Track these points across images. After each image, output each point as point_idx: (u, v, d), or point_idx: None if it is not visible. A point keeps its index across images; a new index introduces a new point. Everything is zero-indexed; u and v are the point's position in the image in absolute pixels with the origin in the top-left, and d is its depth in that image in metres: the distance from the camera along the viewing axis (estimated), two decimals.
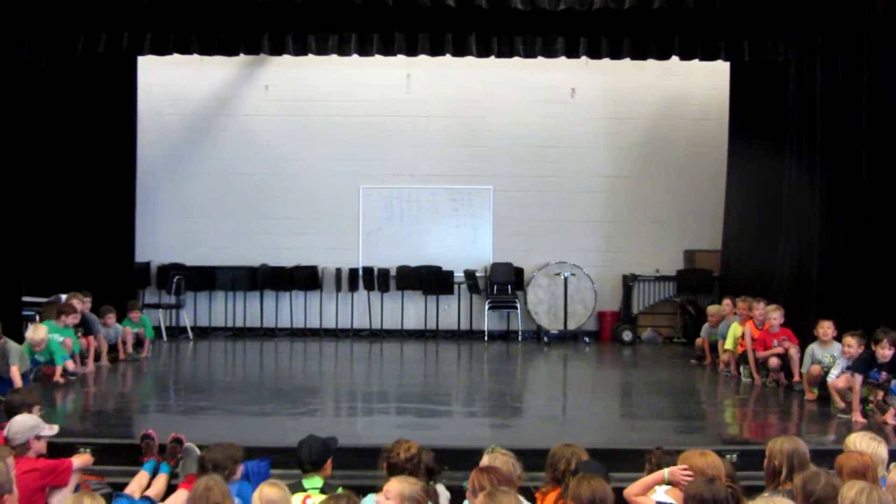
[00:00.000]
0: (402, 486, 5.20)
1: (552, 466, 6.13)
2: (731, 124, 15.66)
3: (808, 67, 13.22)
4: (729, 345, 12.66)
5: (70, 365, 11.45)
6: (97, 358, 12.55)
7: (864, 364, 9.48)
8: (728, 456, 6.05)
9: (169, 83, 16.56)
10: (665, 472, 5.71)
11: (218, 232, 16.66)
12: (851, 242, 12.42)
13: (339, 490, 5.60)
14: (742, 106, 15.39)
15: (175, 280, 16.03)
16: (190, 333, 16.10)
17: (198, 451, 6.78)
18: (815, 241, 12.93)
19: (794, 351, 11.44)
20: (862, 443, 6.03)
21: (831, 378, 10.05)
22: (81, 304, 12.44)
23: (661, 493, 5.84)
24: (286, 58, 14.27)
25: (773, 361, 11.59)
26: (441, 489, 6.42)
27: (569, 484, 5.54)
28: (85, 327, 12.38)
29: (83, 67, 14.52)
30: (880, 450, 5.95)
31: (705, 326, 13.86)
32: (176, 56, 14.13)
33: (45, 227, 13.76)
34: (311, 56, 13.89)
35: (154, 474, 6.93)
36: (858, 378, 9.11)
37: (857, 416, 9.27)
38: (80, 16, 13.41)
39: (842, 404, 9.77)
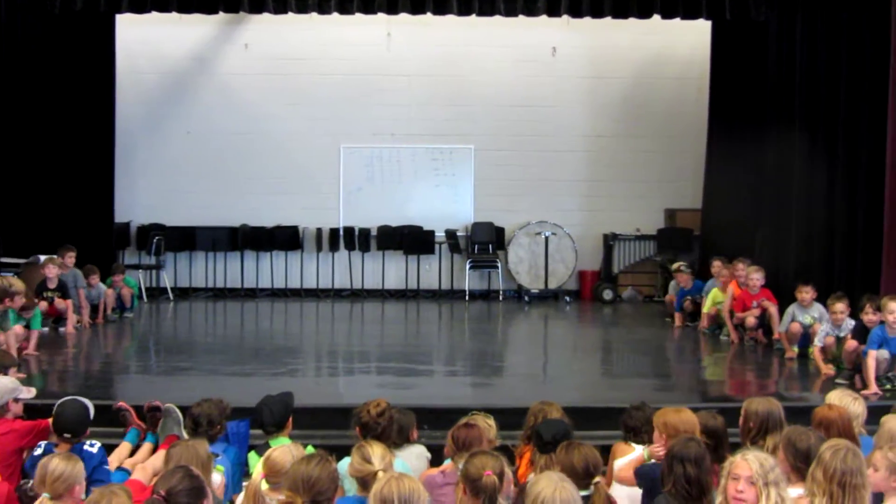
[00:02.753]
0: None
1: (526, 424, 6.19)
2: (711, 84, 15.61)
3: (787, 27, 13.21)
4: (707, 308, 12.72)
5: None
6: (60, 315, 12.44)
7: (859, 336, 9.35)
8: (715, 412, 6.06)
9: (148, 42, 16.34)
10: (644, 452, 5.76)
11: (198, 192, 16.54)
12: (830, 204, 12.50)
13: (309, 448, 5.59)
14: (723, 65, 15.34)
15: (155, 240, 15.93)
16: (170, 294, 16.04)
17: (178, 413, 6.76)
18: (793, 202, 12.99)
19: (773, 310, 11.49)
20: (837, 398, 6.12)
21: (817, 342, 10.03)
22: (57, 269, 12.30)
23: (640, 450, 5.88)
24: (266, 16, 14.11)
25: (751, 321, 11.64)
26: (421, 449, 6.45)
27: (537, 441, 5.60)
28: (62, 290, 12.26)
29: (60, 26, 14.32)
30: (856, 406, 6.02)
31: (672, 283, 13.92)
32: (155, 14, 13.96)
33: (23, 188, 13.66)
34: (291, 14, 13.74)
35: (138, 444, 6.88)
36: (872, 353, 8.82)
37: (873, 389, 8.76)
38: None
39: (830, 372, 9.72)
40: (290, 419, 6.43)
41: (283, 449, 5.24)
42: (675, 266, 13.98)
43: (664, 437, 5.58)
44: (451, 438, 5.71)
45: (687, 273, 13.55)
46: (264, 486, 5.09)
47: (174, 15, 14.22)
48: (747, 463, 4.47)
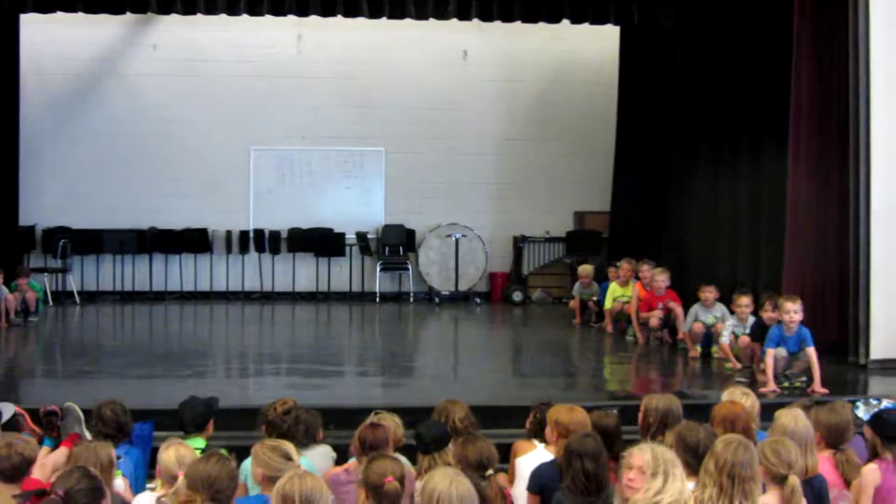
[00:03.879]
0: (260, 449, 5.20)
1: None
2: (620, 88, 15.87)
3: (693, 33, 13.50)
4: (607, 304, 12.92)
5: None
6: None
7: (758, 332, 9.63)
8: (612, 411, 6.18)
9: (53, 42, 16.03)
10: None
11: (105, 194, 16.27)
12: (733, 206, 12.79)
13: (223, 451, 5.58)
14: (631, 70, 15.62)
15: (61, 243, 15.65)
16: (77, 298, 15.75)
17: (79, 411, 6.67)
18: (697, 204, 13.26)
19: (679, 310, 11.69)
20: (734, 395, 6.29)
21: (724, 340, 10.29)
22: None
23: (541, 448, 5.98)
24: (174, 16, 14.01)
25: (654, 322, 11.83)
26: (326, 448, 6.46)
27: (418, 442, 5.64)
28: None
29: None
30: (750, 402, 6.20)
31: (577, 286, 14.09)
32: (60, 14, 13.76)
33: None
34: (200, 15, 13.65)
35: None
36: (770, 351, 9.00)
37: (771, 387, 8.91)
38: None
39: (737, 365, 9.99)
40: (211, 423, 6.38)
41: (170, 449, 5.23)
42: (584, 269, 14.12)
43: (556, 435, 5.70)
44: (358, 439, 5.72)
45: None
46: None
47: (80, 15, 14.00)
48: (641, 453, 4.58)
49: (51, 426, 6.72)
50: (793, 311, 8.99)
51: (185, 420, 6.27)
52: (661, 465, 4.46)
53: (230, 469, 4.75)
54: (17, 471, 5.07)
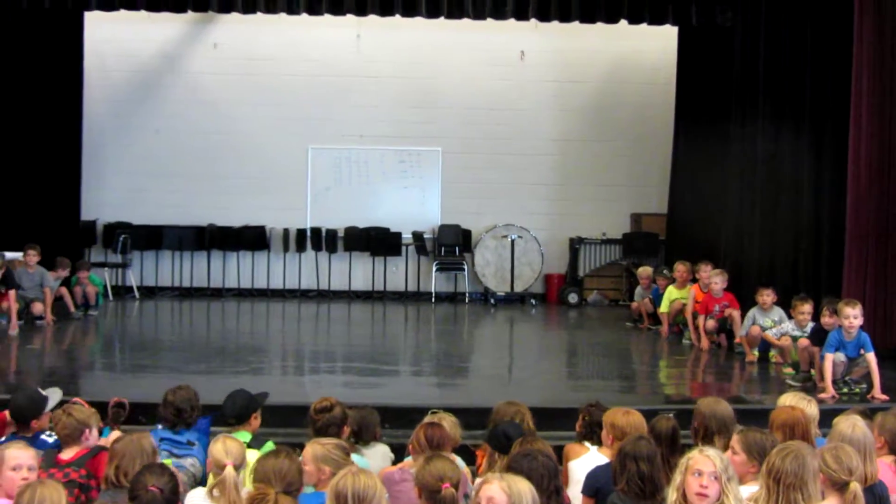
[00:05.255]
0: (314, 448, 5.24)
1: (493, 423, 6.21)
2: (678, 89, 15.75)
3: (752, 33, 13.35)
4: (663, 307, 12.83)
5: None
6: (38, 316, 12.41)
7: (817, 337, 9.49)
8: (669, 415, 6.12)
9: (116, 40, 16.27)
10: None
11: (165, 190, 16.47)
12: (794, 208, 12.63)
13: (269, 444, 5.63)
14: (689, 70, 15.48)
15: (121, 239, 15.86)
16: (136, 293, 15.96)
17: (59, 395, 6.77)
18: (757, 206, 13.11)
19: (736, 314, 11.59)
20: (794, 401, 6.20)
21: (770, 333, 10.26)
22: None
23: (594, 451, 5.95)
24: (235, 15, 14.12)
25: (710, 324, 11.74)
26: (385, 448, 6.48)
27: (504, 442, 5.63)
28: (8, 282, 12.09)
29: (28, 23, 14.26)
30: (811, 408, 6.10)
31: (638, 289, 13.98)
32: (123, 12, 13.94)
33: None
34: (260, 14, 13.76)
35: None
36: (829, 356, 8.89)
37: (830, 392, 8.81)
38: None
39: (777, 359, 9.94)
40: (257, 416, 6.42)
41: (217, 442, 5.27)
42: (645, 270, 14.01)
43: (611, 438, 5.67)
44: (424, 436, 5.71)
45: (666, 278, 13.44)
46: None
47: (143, 13, 14.16)
48: (709, 459, 4.55)
49: (116, 418, 6.85)
50: (852, 315, 8.86)
51: (226, 411, 6.33)
52: (729, 470, 4.48)
53: (299, 464, 4.93)
54: (76, 432, 5.68)
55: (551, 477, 4.88)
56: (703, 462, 4.57)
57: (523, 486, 4.37)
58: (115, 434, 5.97)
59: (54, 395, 6.70)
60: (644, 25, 14.17)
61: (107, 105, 16.45)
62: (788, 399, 6.27)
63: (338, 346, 12.80)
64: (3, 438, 6.19)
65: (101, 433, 6.71)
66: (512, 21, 13.95)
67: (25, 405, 6.36)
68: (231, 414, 6.30)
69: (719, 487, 4.51)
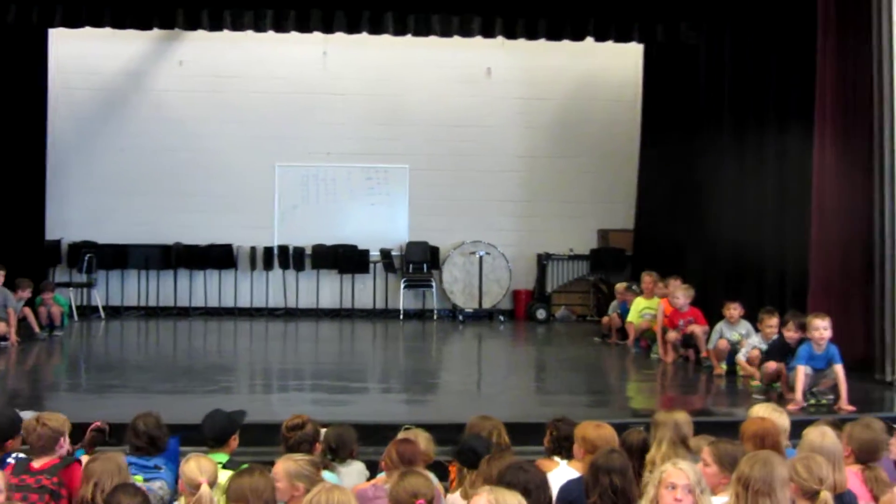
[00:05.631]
0: (286, 464, 5.23)
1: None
2: (644, 105, 15.88)
3: (717, 50, 13.50)
4: (631, 318, 12.88)
5: None
6: (2, 337, 12.27)
7: (778, 351, 9.62)
8: (639, 428, 6.15)
9: (81, 56, 16.14)
10: None
11: (131, 209, 16.34)
12: (758, 223, 12.73)
13: (244, 466, 5.58)
14: (655, 87, 15.62)
15: (86, 258, 15.73)
16: (102, 313, 15.82)
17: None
18: (723, 221, 13.22)
19: (699, 331, 11.63)
20: (765, 412, 6.24)
21: (741, 356, 10.30)
22: None
23: (564, 465, 5.95)
24: (201, 32, 14.13)
25: (673, 336, 11.82)
26: (361, 466, 6.45)
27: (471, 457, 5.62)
28: None
29: None
30: (782, 419, 6.15)
31: (613, 304, 14.03)
32: (88, 29, 13.89)
33: None
34: (226, 31, 13.75)
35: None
36: (801, 368, 8.97)
37: (797, 405, 8.84)
38: None
39: (756, 374, 9.94)
40: (235, 437, 6.36)
41: (191, 460, 5.24)
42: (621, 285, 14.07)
43: (583, 452, 5.68)
44: (396, 453, 5.70)
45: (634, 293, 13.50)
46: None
47: (108, 30, 14.13)
48: (683, 472, 4.57)
49: (93, 442, 6.73)
50: (822, 327, 8.95)
51: (205, 433, 6.27)
52: (701, 483, 4.50)
53: (272, 481, 4.94)
54: (50, 442, 5.72)
55: (544, 489, 4.90)
56: (676, 475, 4.58)
57: (511, 500, 4.36)
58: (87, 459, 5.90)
59: (28, 418, 6.62)
60: (610, 43, 14.34)
61: (71, 122, 16.32)
62: (759, 410, 6.31)
63: (306, 364, 12.75)
64: None
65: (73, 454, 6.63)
66: (479, 38, 14.02)
67: (7, 426, 6.24)
68: (210, 435, 6.24)
69: (693, 500, 4.53)
